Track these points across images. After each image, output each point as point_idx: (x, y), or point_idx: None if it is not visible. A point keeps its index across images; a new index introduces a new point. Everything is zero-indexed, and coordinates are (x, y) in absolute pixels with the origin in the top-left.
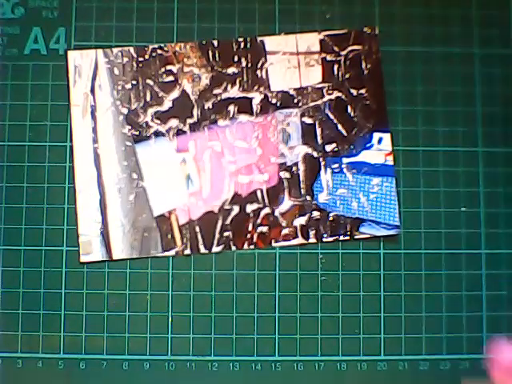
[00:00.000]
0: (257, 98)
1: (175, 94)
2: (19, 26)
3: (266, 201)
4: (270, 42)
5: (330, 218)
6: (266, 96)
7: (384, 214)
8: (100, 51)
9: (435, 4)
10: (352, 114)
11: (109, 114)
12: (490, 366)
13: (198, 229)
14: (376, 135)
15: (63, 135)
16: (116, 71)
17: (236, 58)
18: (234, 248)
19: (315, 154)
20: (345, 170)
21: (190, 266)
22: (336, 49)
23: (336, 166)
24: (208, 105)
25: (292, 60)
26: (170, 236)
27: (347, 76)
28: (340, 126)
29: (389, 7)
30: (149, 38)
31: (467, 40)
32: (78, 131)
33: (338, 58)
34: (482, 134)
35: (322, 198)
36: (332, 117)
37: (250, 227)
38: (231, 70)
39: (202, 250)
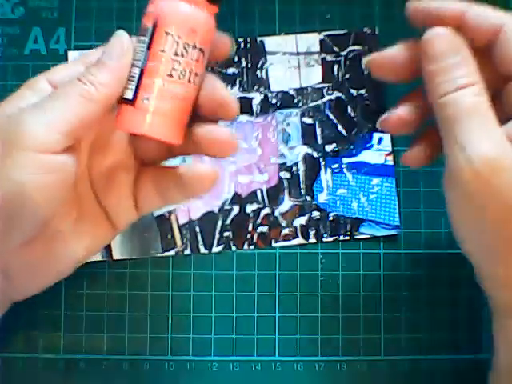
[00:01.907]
0: (257, 98)
1: None
2: (19, 26)
3: (266, 201)
4: (270, 42)
5: (330, 218)
6: (265, 96)
7: (384, 214)
8: None
9: None
10: (352, 114)
11: None
12: None
13: (197, 229)
14: (376, 135)
15: None
16: None
17: (236, 58)
18: (234, 248)
19: (315, 154)
20: (345, 170)
21: (190, 266)
22: (336, 49)
23: (336, 166)
24: None
25: (292, 60)
26: (169, 236)
27: (347, 76)
28: (340, 126)
29: (388, 7)
30: None
31: None
32: None
33: (338, 58)
34: None
35: (322, 198)
36: (332, 117)
37: (250, 227)
38: (231, 70)
39: (202, 250)
